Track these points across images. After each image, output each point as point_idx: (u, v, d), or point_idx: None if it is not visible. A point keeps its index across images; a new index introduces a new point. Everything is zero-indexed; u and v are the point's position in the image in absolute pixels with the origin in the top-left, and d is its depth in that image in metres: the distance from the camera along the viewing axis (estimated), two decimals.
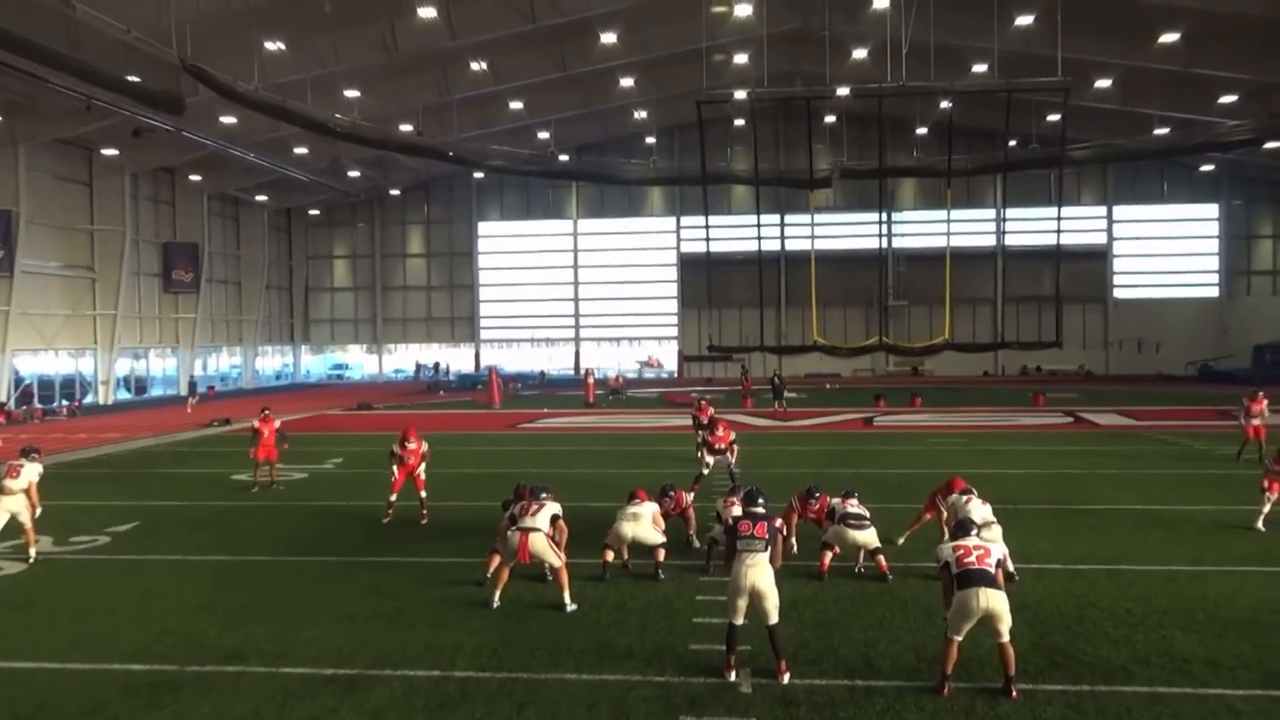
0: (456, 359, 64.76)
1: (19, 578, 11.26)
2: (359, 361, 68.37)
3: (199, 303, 51.01)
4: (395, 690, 7.46)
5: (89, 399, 42.94)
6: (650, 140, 54.00)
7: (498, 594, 9.66)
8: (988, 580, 7.28)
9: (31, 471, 12.18)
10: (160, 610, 9.74)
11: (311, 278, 65.94)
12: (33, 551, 11.98)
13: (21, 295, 37.39)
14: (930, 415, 31.81)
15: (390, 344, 66.52)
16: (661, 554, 10.88)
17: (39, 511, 12.24)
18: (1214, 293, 60.21)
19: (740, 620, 7.72)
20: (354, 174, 53.45)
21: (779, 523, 8.11)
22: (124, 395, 46.32)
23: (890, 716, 6.87)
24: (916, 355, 53.57)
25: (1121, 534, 12.92)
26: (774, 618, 7.68)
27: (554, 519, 9.85)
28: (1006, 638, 7.25)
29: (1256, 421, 19.67)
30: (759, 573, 7.66)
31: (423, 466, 14.52)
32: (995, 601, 7.21)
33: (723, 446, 16.78)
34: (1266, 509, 13.10)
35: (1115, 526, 13.45)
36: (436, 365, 64.28)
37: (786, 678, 7.56)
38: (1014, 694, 7.21)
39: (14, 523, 11.89)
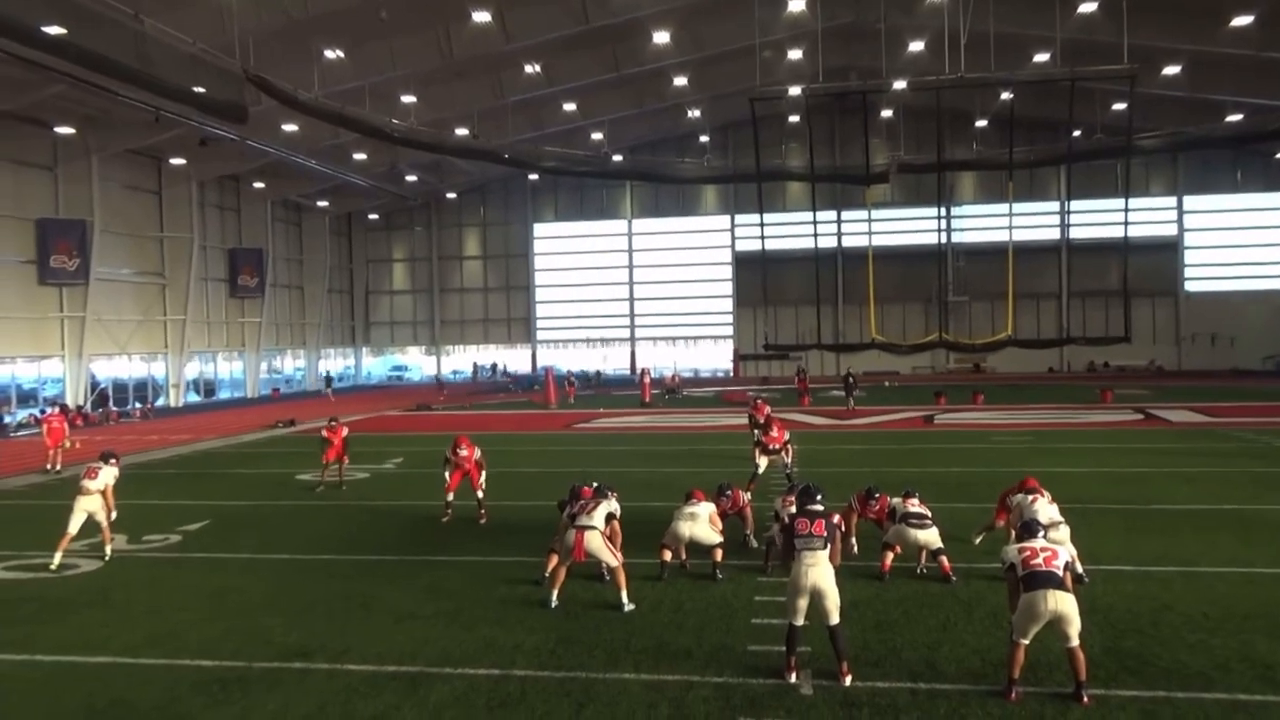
0: (513, 360, 65.36)
1: (95, 575, 11.62)
2: (418, 363, 69.37)
3: (264, 307, 52.23)
4: (456, 688, 7.52)
5: (160, 402, 44.24)
6: (704, 139, 53.85)
7: (555, 593, 9.70)
8: (1055, 582, 7.07)
9: (108, 474, 12.57)
10: (229, 608, 9.96)
11: (371, 281, 67.14)
12: (108, 549, 12.38)
13: (96, 302, 38.68)
14: (993, 413, 31.15)
15: (448, 345, 67.38)
16: (719, 554, 10.80)
17: (114, 514, 12.64)
18: None
19: (801, 621, 7.63)
20: (411, 178, 54.26)
21: (837, 519, 7.99)
22: (194, 398, 47.64)
23: None
24: (978, 352, 52.51)
25: (1196, 535, 12.48)
26: (835, 618, 7.57)
27: (609, 518, 9.85)
28: (1076, 641, 7.04)
29: None
30: (819, 572, 7.56)
31: (483, 475, 14.60)
32: (1063, 604, 7.00)
33: (777, 447, 16.61)
34: None
35: (1189, 527, 13.00)
36: (494, 366, 64.94)
37: (849, 680, 7.45)
38: (1085, 700, 6.99)
39: (90, 522, 12.29)
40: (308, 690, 7.56)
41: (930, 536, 10.64)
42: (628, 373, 59.13)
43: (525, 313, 65.29)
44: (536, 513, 14.06)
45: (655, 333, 64.14)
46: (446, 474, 14.62)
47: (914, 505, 11.01)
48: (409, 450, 23.74)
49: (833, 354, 55.13)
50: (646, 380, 40.20)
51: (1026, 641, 7.12)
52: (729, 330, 63.09)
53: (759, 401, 20.98)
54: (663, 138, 56.95)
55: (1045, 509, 10.27)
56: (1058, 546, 7.55)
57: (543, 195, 64.25)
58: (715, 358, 63.96)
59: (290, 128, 38.55)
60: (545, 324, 65.42)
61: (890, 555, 10.65)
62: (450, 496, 14.57)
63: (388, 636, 8.85)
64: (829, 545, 7.67)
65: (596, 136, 49.33)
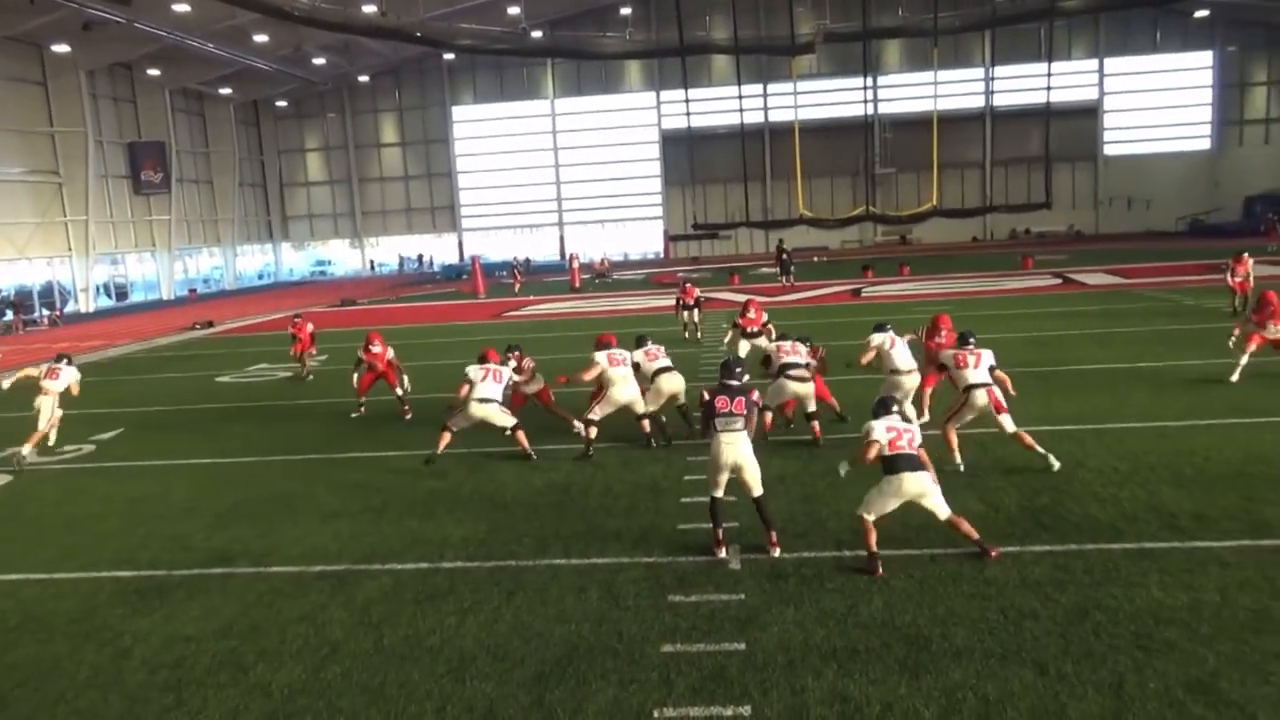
0: (440, 250, 63.96)
1: (5, 490, 11.18)
2: (342, 257, 67.51)
3: (171, 203, 49.85)
4: (384, 584, 7.44)
5: (70, 308, 42.42)
6: (625, 11, 51.95)
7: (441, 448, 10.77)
8: (913, 464, 7.14)
9: (70, 375, 12.97)
10: (147, 516, 9.68)
11: (285, 173, 64.46)
12: (26, 450, 12.16)
13: None
14: (919, 284, 31.60)
15: (371, 237, 65.54)
16: (646, 424, 11.15)
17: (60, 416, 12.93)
18: (1205, 145, 59.29)
19: (721, 493, 7.68)
20: (319, 61, 51.53)
21: (756, 395, 7.97)
22: (105, 302, 45.78)
23: (879, 585, 6.87)
24: (904, 223, 53.09)
25: (1110, 393, 12.90)
26: (758, 490, 7.63)
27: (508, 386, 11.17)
28: (946, 513, 7.17)
29: (1240, 279, 20.17)
30: (739, 450, 7.57)
31: (402, 373, 14.25)
32: (923, 483, 7.10)
33: (756, 329, 15.10)
34: (1244, 361, 13.04)
35: (1104, 386, 13.43)
36: (420, 257, 63.54)
37: (777, 551, 7.56)
38: (993, 553, 7.19)
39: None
40: (230, 594, 7.41)
41: (806, 390, 10.74)
42: (557, 258, 58.39)
43: (449, 200, 63.63)
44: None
45: (584, 216, 63.21)
46: (356, 377, 14.16)
47: (790, 354, 10.91)
48: (333, 347, 23.19)
49: (762, 231, 55.15)
50: (576, 265, 39.74)
51: (872, 519, 7.22)
52: (658, 211, 62.49)
53: (688, 285, 20.84)
54: (583, 11, 54.78)
55: (901, 350, 11.09)
56: (910, 425, 7.61)
57: (460, 76, 61.73)
58: (645, 240, 63.46)
59: (182, 8, 36.01)
60: (470, 211, 63.92)
61: (769, 417, 10.84)
62: (363, 398, 14.19)
63: (313, 536, 8.70)
64: (748, 421, 7.67)
65: (514, 11, 47.09)
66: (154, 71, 46.56)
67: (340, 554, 8.18)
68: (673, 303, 22.41)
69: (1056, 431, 10.88)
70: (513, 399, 11.59)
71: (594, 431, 10.96)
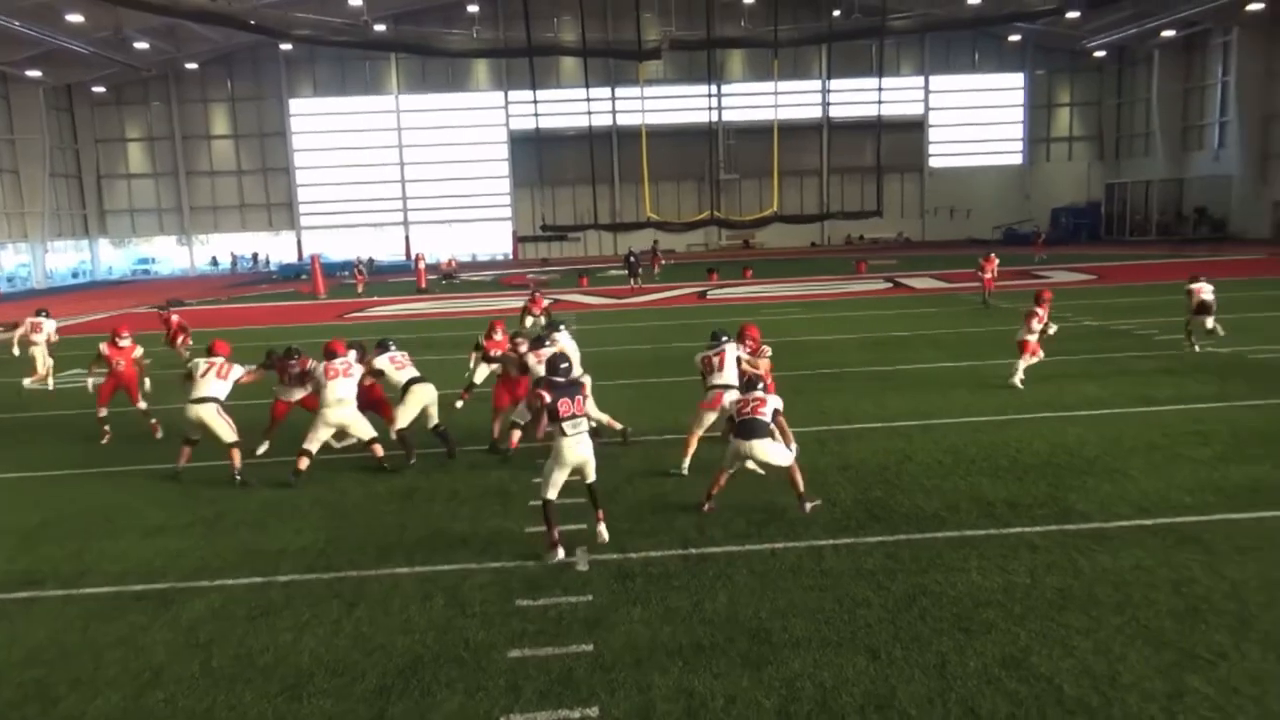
0: (277, 249, 61.17)
1: None
2: (168, 255, 63.47)
3: None
4: (213, 601, 7.02)
5: None
6: (472, 9, 51.18)
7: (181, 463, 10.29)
8: (758, 431, 8.27)
9: (50, 327, 17.20)
10: None
11: (103, 164, 60.07)
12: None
13: None
14: (761, 286, 32.63)
15: (201, 234, 61.96)
16: (379, 448, 10.75)
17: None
18: (1018, 160, 64.01)
19: (555, 494, 7.72)
20: (142, 45, 48.27)
21: (587, 388, 8.10)
22: None
23: (723, 580, 7.04)
24: (747, 228, 54.67)
25: (936, 391, 13.70)
26: (593, 476, 7.89)
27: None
28: (785, 465, 8.37)
29: (988, 276, 24.32)
30: (586, 448, 7.75)
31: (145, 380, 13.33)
32: (757, 450, 8.29)
33: (500, 353, 12.41)
34: (1022, 365, 13.74)
35: (931, 384, 14.27)
36: (255, 256, 60.63)
37: (604, 525, 7.87)
38: (806, 508, 8.37)
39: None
40: (36, 620, 6.81)
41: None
42: (403, 259, 56.92)
43: (286, 197, 60.96)
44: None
45: (430, 216, 61.91)
46: (92, 383, 12.93)
47: (525, 354, 10.50)
48: (153, 351, 21.72)
49: (610, 234, 55.56)
50: (421, 266, 38.84)
51: (731, 471, 8.62)
52: (507, 212, 61.97)
53: (538, 295, 20.71)
54: (429, 7, 53.66)
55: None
56: (768, 397, 8.49)
57: (298, 68, 59.27)
58: (494, 240, 62.77)
59: None
60: (310, 209, 61.43)
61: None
62: (103, 412, 12.58)
63: (134, 554, 8.12)
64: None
65: (355, 3, 45.59)
66: None
67: (165, 571, 7.67)
68: (520, 306, 22.26)
69: (889, 428, 11.46)
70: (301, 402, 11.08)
71: (380, 449, 10.35)
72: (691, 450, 9.82)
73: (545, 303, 20.11)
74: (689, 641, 6.06)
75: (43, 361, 16.67)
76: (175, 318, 19.79)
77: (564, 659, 5.88)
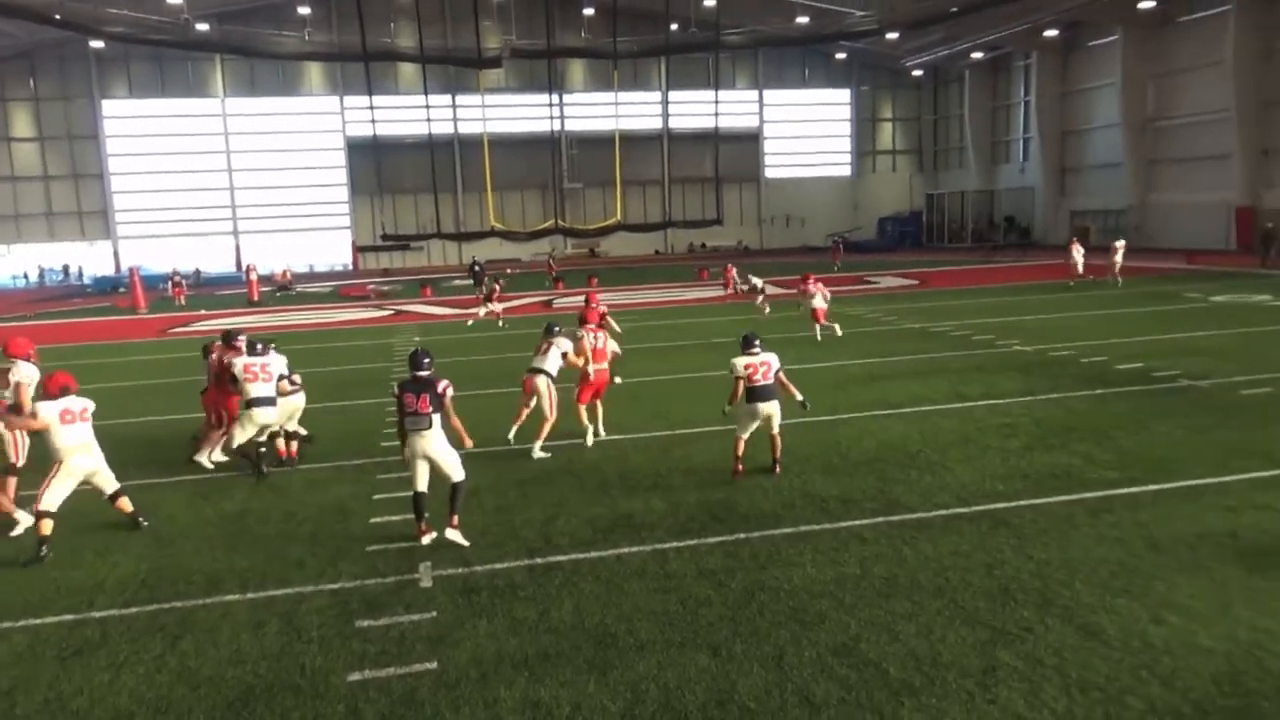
0: (91, 260, 56.89)
1: None
2: None
3: None
4: (16, 643, 6.48)
5: None
6: (304, 10, 49.32)
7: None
8: (769, 394, 9.52)
9: None
10: None
11: None
12: None
13: None
14: (606, 294, 32.88)
15: (1, 245, 56.89)
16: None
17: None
18: (847, 171, 67.22)
19: (424, 487, 8.01)
20: None
21: (442, 387, 8.03)
22: None
23: (569, 588, 7.08)
24: (592, 236, 55.03)
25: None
26: (457, 476, 8.05)
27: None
28: (775, 429, 9.69)
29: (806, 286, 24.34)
30: (428, 444, 7.92)
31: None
32: (773, 409, 9.59)
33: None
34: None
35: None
36: (66, 268, 56.26)
37: (457, 523, 8.01)
38: (777, 470, 9.72)
39: None
40: None
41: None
42: (234, 270, 54.07)
43: (101, 205, 56.82)
44: (132, 430, 12.49)
45: (263, 225, 59.13)
46: None
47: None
48: None
49: (454, 244, 54.79)
50: (253, 277, 37.05)
51: (745, 436, 9.71)
52: (346, 221, 60.01)
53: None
54: (256, 6, 51.35)
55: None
56: (769, 358, 9.66)
57: (111, 67, 55.43)
58: (333, 251, 60.58)
59: None
60: (128, 218, 57.49)
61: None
62: None
63: None
64: (440, 413, 7.97)
65: (175, 1, 43.04)
66: None
67: None
68: (364, 317, 21.62)
69: (727, 431, 11.77)
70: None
71: (208, 460, 10.79)
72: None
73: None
74: (535, 652, 6.06)
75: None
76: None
77: (406, 679, 5.77)
